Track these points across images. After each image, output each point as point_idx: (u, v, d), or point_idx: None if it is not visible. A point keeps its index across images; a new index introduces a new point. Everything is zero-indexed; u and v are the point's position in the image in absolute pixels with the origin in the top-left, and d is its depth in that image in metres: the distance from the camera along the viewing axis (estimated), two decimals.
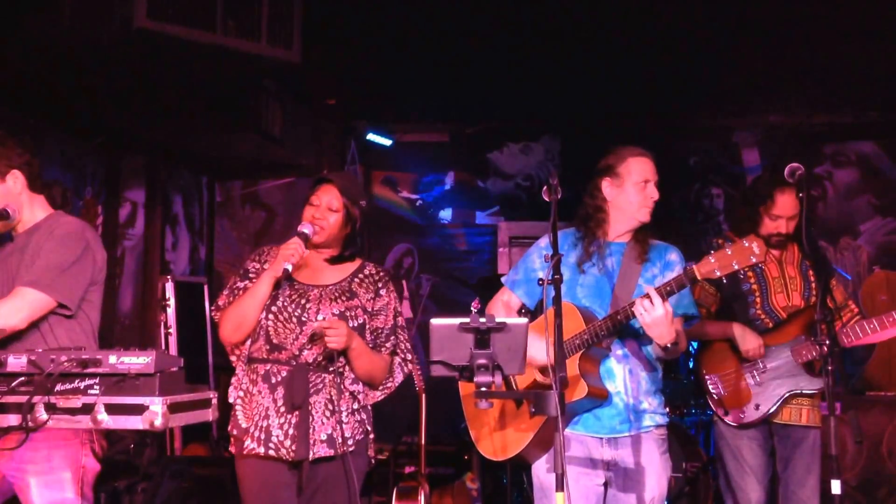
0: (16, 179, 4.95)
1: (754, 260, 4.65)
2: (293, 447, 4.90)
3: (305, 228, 5.06)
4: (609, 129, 10.17)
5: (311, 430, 4.94)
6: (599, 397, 4.96)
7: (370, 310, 5.22)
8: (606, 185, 5.18)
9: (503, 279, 5.48)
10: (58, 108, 7.97)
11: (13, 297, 4.72)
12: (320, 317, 5.01)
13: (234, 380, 5.12)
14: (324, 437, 4.97)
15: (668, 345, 4.81)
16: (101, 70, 7.30)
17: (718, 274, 4.70)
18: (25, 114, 7.81)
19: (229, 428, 5.11)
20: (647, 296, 4.70)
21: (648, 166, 5.15)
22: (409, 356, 5.39)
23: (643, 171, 5.13)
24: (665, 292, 4.74)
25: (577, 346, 4.89)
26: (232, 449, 5.17)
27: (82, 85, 7.60)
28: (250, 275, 5.16)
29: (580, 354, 4.91)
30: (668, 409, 5.35)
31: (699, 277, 4.76)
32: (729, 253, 4.66)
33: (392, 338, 5.27)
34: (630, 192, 5.12)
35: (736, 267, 4.67)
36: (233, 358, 5.17)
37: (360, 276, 5.27)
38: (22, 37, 6.75)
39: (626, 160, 5.16)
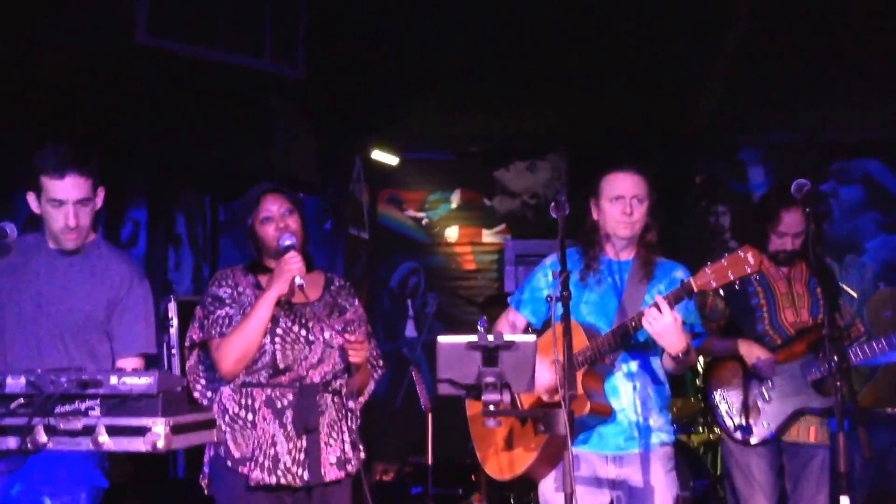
0: (101, 197, 4.93)
1: (749, 270, 4.63)
2: (302, 472, 4.79)
3: (288, 240, 4.90)
4: (615, 146, 10.14)
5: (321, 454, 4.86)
6: (603, 414, 4.92)
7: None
8: (592, 204, 5.18)
9: (509, 299, 5.46)
10: (58, 125, 7.92)
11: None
12: (326, 334, 4.94)
13: (215, 408, 4.91)
14: (333, 459, 4.89)
15: (680, 354, 4.77)
16: (102, 87, 7.28)
17: (714, 285, 4.68)
18: (26, 130, 7.76)
19: (214, 459, 4.95)
20: (656, 305, 4.67)
21: (624, 182, 5.08)
22: (380, 362, 5.31)
23: (616, 187, 5.07)
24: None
25: (579, 363, 4.86)
26: (204, 481, 5.02)
27: (83, 102, 7.58)
28: (227, 301, 4.97)
29: (583, 371, 4.88)
30: (675, 427, 5.31)
31: (696, 290, 4.73)
32: (724, 264, 4.65)
33: (367, 347, 5.15)
34: (605, 210, 5.10)
35: (731, 277, 4.65)
36: (196, 394, 4.99)
37: (334, 288, 5.21)
38: (23, 54, 6.74)
39: (604, 177, 5.14)
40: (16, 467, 4.33)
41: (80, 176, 4.73)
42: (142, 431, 3.84)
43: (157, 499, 7.88)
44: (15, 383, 3.92)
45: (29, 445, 3.88)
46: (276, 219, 4.98)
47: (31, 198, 4.80)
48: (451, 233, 11.74)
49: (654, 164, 5.21)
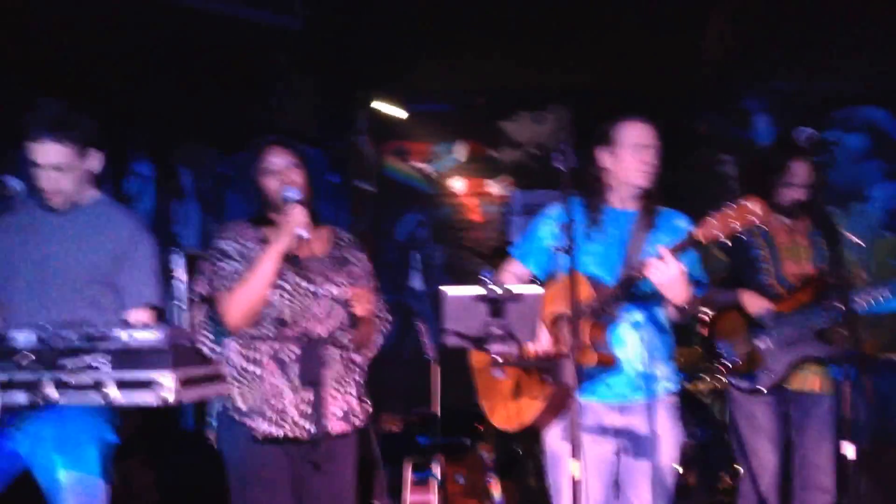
0: (98, 160, 4.89)
1: (754, 219, 4.58)
2: (308, 425, 4.81)
3: (291, 193, 4.85)
4: (619, 97, 10.11)
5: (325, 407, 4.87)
6: (608, 365, 4.94)
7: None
8: (602, 154, 5.16)
9: (511, 250, 5.47)
10: (60, 80, 7.89)
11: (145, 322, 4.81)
12: (332, 289, 4.93)
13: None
14: (339, 413, 4.92)
15: (685, 304, 4.79)
16: (103, 40, 7.25)
17: (720, 235, 4.64)
18: (27, 83, 7.73)
19: (221, 412, 4.96)
20: (660, 255, 4.67)
21: (643, 131, 5.09)
22: (387, 315, 5.33)
23: (636, 135, 5.08)
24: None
25: (585, 314, 4.84)
26: (211, 435, 5.06)
27: (85, 55, 7.55)
28: (232, 255, 4.94)
29: (589, 323, 4.88)
30: (680, 376, 5.33)
31: (702, 240, 4.70)
32: (730, 214, 4.61)
33: (372, 300, 5.12)
34: (624, 158, 5.08)
35: (737, 228, 4.61)
36: (203, 349, 4.94)
37: (341, 242, 5.19)
38: (25, 6, 6.71)
39: (619, 126, 5.13)
40: (25, 423, 4.34)
41: (57, 143, 4.67)
42: (151, 385, 3.86)
43: (166, 451, 7.91)
44: (24, 338, 3.94)
45: (39, 400, 3.91)
46: (280, 172, 4.94)
47: None
48: (457, 184, 11.73)
49: (659, 114, 5.18)
